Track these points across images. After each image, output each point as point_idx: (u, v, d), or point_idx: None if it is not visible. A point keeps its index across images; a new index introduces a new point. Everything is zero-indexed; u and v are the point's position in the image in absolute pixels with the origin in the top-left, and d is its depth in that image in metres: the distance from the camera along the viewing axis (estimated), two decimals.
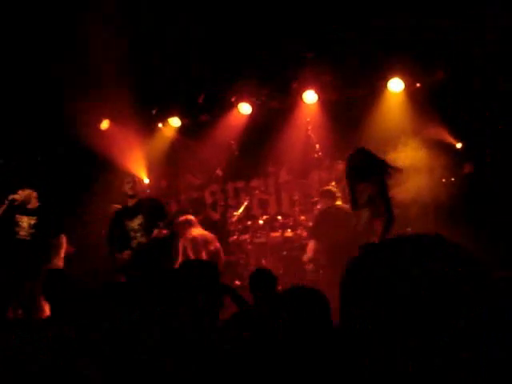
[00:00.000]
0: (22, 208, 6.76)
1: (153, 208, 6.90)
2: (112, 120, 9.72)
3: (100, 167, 9.24)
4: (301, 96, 8.80)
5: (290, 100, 9.07)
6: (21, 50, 8.03)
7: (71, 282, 4.91)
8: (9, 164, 8.66)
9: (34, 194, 6.87)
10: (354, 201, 5.73)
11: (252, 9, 7.90)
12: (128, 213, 6.92)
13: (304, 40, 8.33)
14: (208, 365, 1.82)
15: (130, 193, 6.94)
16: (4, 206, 6.55)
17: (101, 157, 9.11)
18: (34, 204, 6.81)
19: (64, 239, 6.99)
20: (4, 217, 6.67)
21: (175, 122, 9.84)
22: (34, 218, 6.75)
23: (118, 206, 8.03)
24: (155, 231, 6.75)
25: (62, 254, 6.88)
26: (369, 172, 5.75)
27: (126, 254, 6.72)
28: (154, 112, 9.72)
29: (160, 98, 9.59)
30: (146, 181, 10.08)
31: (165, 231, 6.92)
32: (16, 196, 6.64)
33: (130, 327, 2.09)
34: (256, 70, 8.84)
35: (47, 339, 2.49)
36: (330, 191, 7.70)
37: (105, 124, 9.81)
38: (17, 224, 6.71)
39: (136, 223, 6.81)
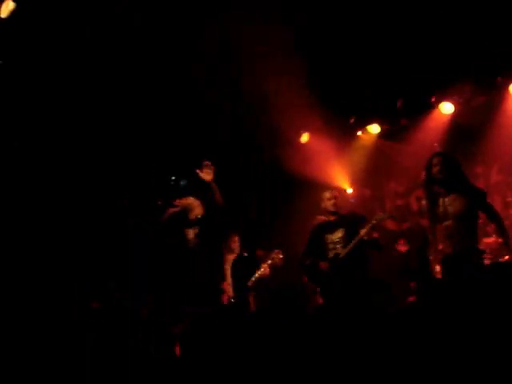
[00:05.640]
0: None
1: (354, 221, 6.79)
2: (311, 132, 9.80)
3: (302, 180, 9.34)
4: (507, 89, 8.17)
5: (495, 95, 8.44)
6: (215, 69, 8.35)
7: None
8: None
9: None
10: (433, 213, 5.23)
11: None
12: (329, 227, 6.86)
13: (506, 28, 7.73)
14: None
15: (332, 210, 6.85)
16: None
17: (302, 170, 9.22)
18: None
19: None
20: None
21: (374, 128, 9.66)
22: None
23: (322, 218, 8.04)
24: (361, 233, 6.57)
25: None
26: (462, 182, 5.24)
27: (324, 264, 6.66)
28: (351, 120, 9.63)
29: (357, 106, 9.47)
30: (350, 190, 10.02)
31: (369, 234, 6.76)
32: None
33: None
34: (456, 67, 8.36)
35: None
36: None
37: (305, 137, 9.93)
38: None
39: (337, 236, 6.76)
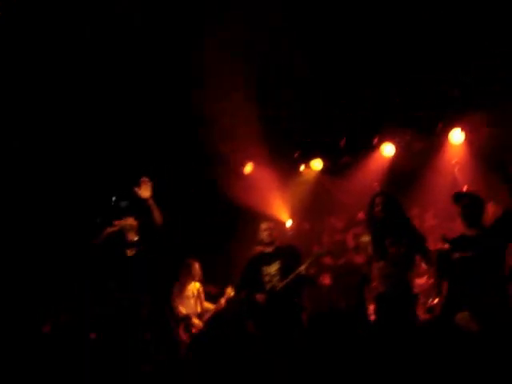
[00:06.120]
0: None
1: (291, 254, 6.84)
2: (255, 163, 9.86)
3: (243, 210, 9.36)
4: (447, 136, 8.45)
5: (435, 140, 8.72)
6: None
7: None
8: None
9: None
10: (382, 251, 5.29)
11: (395, 46, 7.76)
12: (265, 259, 6.88)
13: (450, 77, 8.02)
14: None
15: (267, 241, 6.91)
16: None
17: (244, 200, 9.24)
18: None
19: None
20: None
21: (317, 164, 9.80)
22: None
23: (260, 249, 8.09)
24: (300, 268, 6.64)
25: None
26: (403, 223, 5.37)
27: (260, 296, 6.67)
28: (295, 155, 9.75)
29: (302, 141, 9.61)
30: (289, 223, 10.09)
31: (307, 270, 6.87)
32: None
33: None
34: (399, 111, 8.61)
35: None
36: None
37: (248, 167, 9.96)
38: None
39: (274, 268, 6.76)
